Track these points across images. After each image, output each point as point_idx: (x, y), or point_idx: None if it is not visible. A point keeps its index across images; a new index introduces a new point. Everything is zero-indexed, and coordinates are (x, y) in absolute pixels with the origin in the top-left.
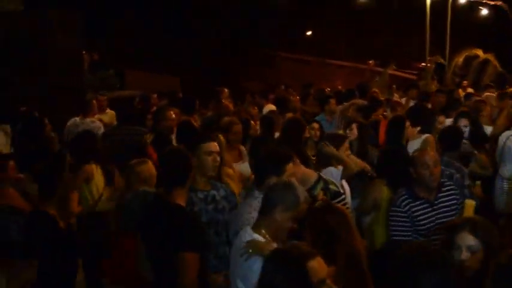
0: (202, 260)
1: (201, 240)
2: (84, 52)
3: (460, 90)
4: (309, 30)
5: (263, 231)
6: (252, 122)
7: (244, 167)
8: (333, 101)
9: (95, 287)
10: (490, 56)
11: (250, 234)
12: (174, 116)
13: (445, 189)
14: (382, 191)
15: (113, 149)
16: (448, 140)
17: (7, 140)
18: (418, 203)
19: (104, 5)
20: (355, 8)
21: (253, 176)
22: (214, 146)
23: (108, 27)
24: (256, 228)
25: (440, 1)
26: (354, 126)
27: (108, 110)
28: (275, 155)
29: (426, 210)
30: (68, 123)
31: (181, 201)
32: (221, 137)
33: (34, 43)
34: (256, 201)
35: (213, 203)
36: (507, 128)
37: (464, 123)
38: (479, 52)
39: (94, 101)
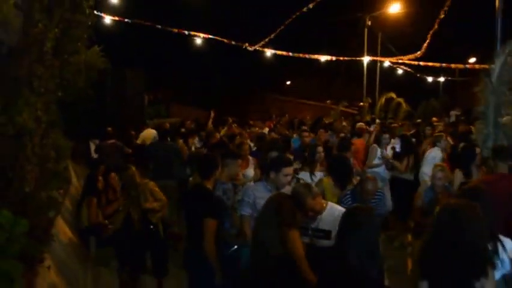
0: (219, 226)
1: (219, 212)
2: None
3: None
4: (288, 80)
5: None
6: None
7: (249, 171)
8: (304, 127)
9: None
10: (401, 99)
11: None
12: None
13: (377, 196)
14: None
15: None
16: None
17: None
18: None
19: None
20: (319, 66)
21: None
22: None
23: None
24: None
25: (372, 64)
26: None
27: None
28: (275, 160)
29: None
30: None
31: (210, 186)
32: None
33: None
34: (262, 186)
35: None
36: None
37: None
38: (393, 95)
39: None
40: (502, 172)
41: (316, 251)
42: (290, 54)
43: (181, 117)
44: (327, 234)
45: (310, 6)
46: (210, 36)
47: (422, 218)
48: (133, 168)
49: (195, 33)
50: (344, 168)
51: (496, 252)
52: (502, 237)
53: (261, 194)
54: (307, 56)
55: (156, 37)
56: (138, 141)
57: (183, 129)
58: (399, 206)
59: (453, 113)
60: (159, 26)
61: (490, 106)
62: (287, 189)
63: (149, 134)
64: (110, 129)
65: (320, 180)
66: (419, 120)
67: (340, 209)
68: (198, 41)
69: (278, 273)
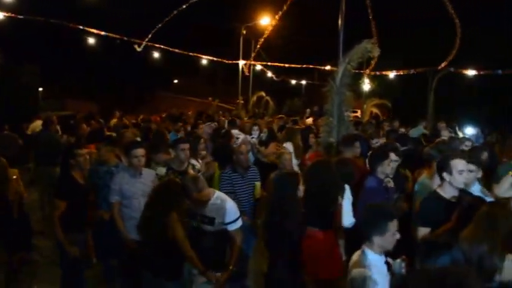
0: (72, 206)
1: (71, 194)
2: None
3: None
4: (175, 79)
5: None
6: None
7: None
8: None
9: None
10: (268, 98)
11: None
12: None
13: (251, 169)
14: (215, 168)
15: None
16: None
17: None
18: (236, 174)
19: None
20: (203, 66)
21: None
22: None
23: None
24: None
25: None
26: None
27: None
28: (127, 145)
29: (240, 179)
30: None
31: (74, 172)
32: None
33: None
34: (127, 173)
35: None
36: None
37: None
38: (263, 94)
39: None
40: (347, 156)
41: (202, 233)
42: (176, 50)
43: (74, 111)
44: (210, 220)
45: (184, 7)
46: (102, 33)
47: None
48: (4, 160)
49: (88, 29)
50: (224, 152)
51: None
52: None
53: (125, 180)
54: (190, 53)
55: (52, 33)
56: (28, 132)
57: (71, 121)
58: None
59: (308, 110)
60: (52, 21)
61: (334, 104)
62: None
63: (37, 125)
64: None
65: (211, 162)
66: (282, 116)
67: (223, 198)
68: (91, 39)
69: (160, 251)
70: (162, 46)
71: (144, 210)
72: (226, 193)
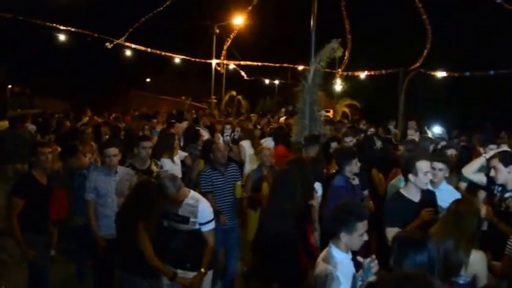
0: (30, 205)
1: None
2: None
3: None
4: (148, 77)
5: None
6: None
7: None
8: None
9: None
10: (239, 97)
11: None
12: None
13: (229, 166)
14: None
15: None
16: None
17: None
18: (216, 172)
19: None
20: (176, 65)
21: None
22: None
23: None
24: None
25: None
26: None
27: None
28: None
29: (220, 177)
30: None
31: (35, 172)
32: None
33: None
34: (101, 171)
35: None
36: None
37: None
38: (234, 93)
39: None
40: (311, 155)
41: (174, 232)
42: (148, 50)
43: (44, 109)
44: (184, 219)
45: (161, 8)
46: (73, 29)
47: (253, 192)
48: None
49: (58, 26)
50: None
51: None
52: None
53: (100, 178)
54: (163, 53)
55: (21, 31)
56: None
57: (39, 119)
58: None
59: (283, 110)
60: (21, 18)
61: (306, 103)
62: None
63: (4, 123)
64: None
65: (198, 161)
66: (254, 115)
67: (197, 198)
68: (62, 36)
69: (135, 249)
70: (133, 45)
71: (121, 209)
72: (206, 192)
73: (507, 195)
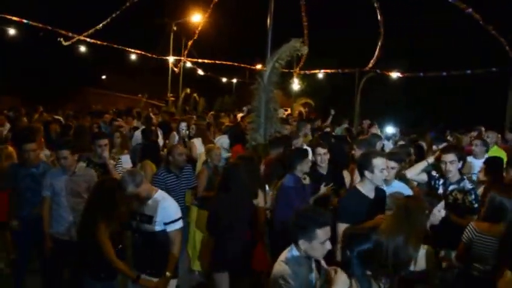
0: None
1: None
2: None
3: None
4: (104, 74)
5: None
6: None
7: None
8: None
9: None
10: (195, 94)
11: None
12: None
13: (185, 169)
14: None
15: None
16: None
17: None
18: (171, 175)
19: None
20: (132, 63)
21: None
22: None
23: None
24: None
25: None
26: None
27: None
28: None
29: (174, 180)
30: None
31: None
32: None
33: None
34: (59, 170)
35: None
36: None
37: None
38: (188, 91)
39: None
40: (274, 157)
41: (141, 233)
42: (105, 43)
43: None
44: (148, 219)
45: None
46: (25, 20)
47: (206, 192)
48: None
49: (9, 17)
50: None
51: None
52: None
53: (56, 176)
54: (120, 47)
55: None
56: None
57: None
58: None
59: (245, 108)
60: None
61: (261, 101)
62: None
63: None
64: None
65: (146, 163)
66: (212, 113)
67: (164, 197)
68: (12, 30)
69: (93, 251)
70: (88, 39)
71: (83, 210)
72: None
73: (451, 187)
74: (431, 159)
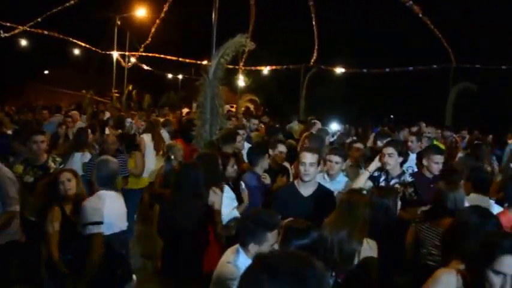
0: None
1: None
2: None
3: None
4: (46, 69)
5: None
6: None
7: None
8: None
9: None
10: (134, 91)
11: None
12: None
13: (118, 157)
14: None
15: None
16: None
17: None
18: None
19: None
20: (75, 57)
21: None
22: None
23: None
24: None
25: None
26: None
27: None
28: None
29: None
30: None
31: None
32: None
33: None
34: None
35: None
36: None
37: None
38: (130, 87)
39: None
40: (227, 152)
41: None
42: (45, 32)
43: None
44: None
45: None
46: None
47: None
48: None
49: None
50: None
51: None
52: None
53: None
54: (61, 36)
55: None
56: None
57: None
58: None
59: (195, 104)
60: None
61: (207, 97)
62: None
63: None
64: None
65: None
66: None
67: (98, 195)
68: None
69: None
70: (29, 28)
71: None
72: (87, 181)
73: (393, 182)
74: (372, 167)
